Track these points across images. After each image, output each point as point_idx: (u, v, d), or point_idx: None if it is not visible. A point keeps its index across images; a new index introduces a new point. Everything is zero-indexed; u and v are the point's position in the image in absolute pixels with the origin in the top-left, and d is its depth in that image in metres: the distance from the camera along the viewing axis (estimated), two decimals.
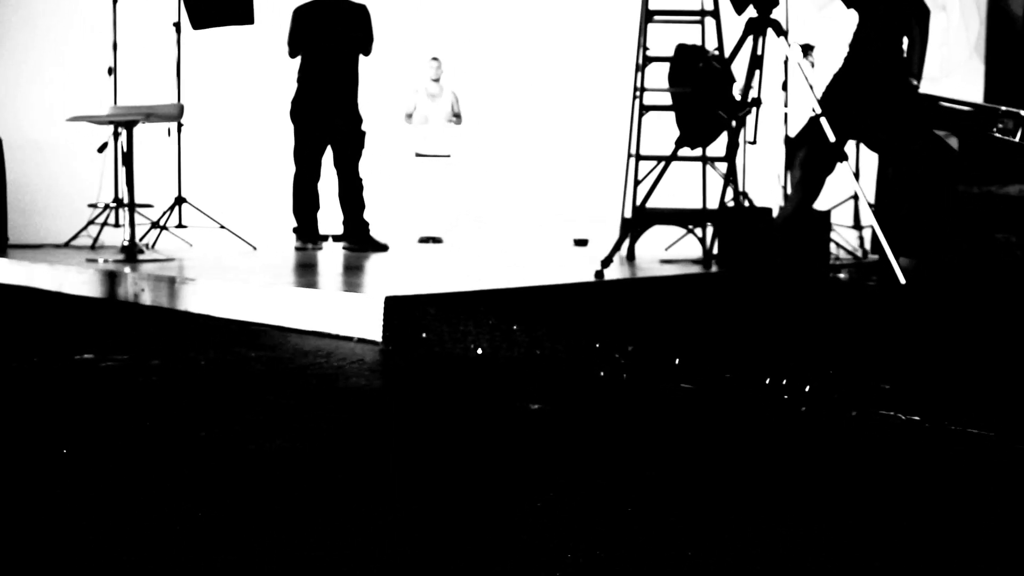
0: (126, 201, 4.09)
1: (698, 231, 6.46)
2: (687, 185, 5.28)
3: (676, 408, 1.76)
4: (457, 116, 8.19)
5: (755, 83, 3.96)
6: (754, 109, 3.74)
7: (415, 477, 1.30)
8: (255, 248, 5.47)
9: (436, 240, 8.02)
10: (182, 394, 1.80)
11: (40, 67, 6.29)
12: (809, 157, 4.26)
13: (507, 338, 2.05)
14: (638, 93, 6.00)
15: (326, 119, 5.52)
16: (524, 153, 8.92)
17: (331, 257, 4.89)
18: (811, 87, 3.60)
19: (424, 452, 1.43)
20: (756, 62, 3.91)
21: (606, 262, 3.44)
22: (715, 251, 4.68)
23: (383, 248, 5.61)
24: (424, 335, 2.23)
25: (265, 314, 2.69)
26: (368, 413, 1.68)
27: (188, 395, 1.79)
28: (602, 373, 1.95)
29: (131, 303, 3.23)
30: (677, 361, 1.85)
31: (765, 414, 1.69)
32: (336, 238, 7.01)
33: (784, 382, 1.70)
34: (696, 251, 6.28)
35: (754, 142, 3.77)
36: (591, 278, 3.34)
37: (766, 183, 6.53)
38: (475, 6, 8.68)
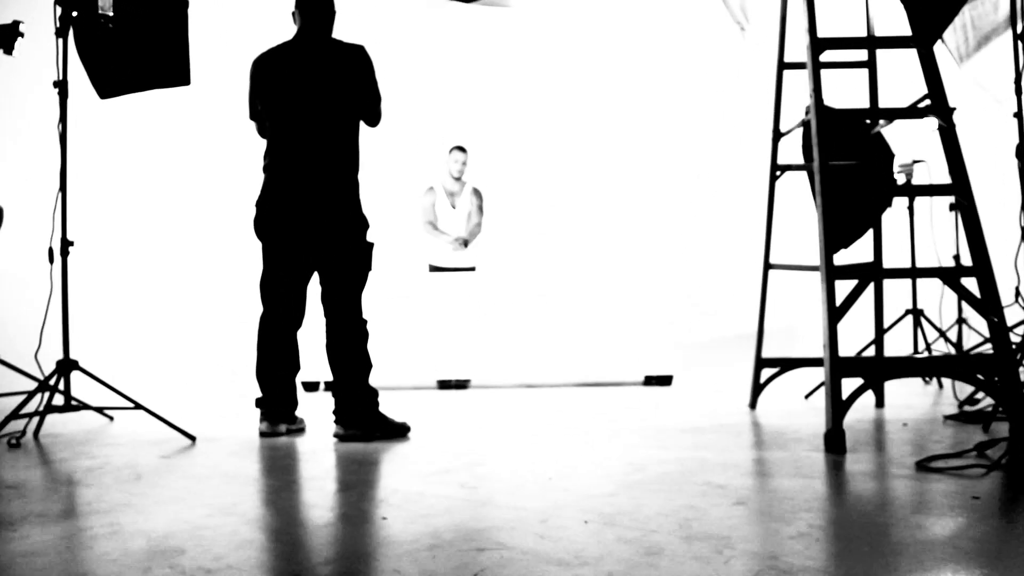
0: None
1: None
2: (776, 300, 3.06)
3: None
4: (477, 225, 6.04)
5: None
6: None
7: None
8: (193, 440, 3.15)
9: (461, 385, 5.73)
10: None
11: None
12: None
13: None
14: (779, 172, 3.86)
15: (310, 228, 3.26)
16: (566, 263, 6.73)
17: (324, 483, 2.58)
18: None
19: None
20: None
21: None
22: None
23: (402, 431, 3.28)
24: None
25: None
26: None
27: None
28: None
29: None
30: None
31: None
32: (328, 386, 4.73)
33: None
34: (814, 422, 3.71)
35: None
36: None
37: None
38: (502, 87, 6.63)
